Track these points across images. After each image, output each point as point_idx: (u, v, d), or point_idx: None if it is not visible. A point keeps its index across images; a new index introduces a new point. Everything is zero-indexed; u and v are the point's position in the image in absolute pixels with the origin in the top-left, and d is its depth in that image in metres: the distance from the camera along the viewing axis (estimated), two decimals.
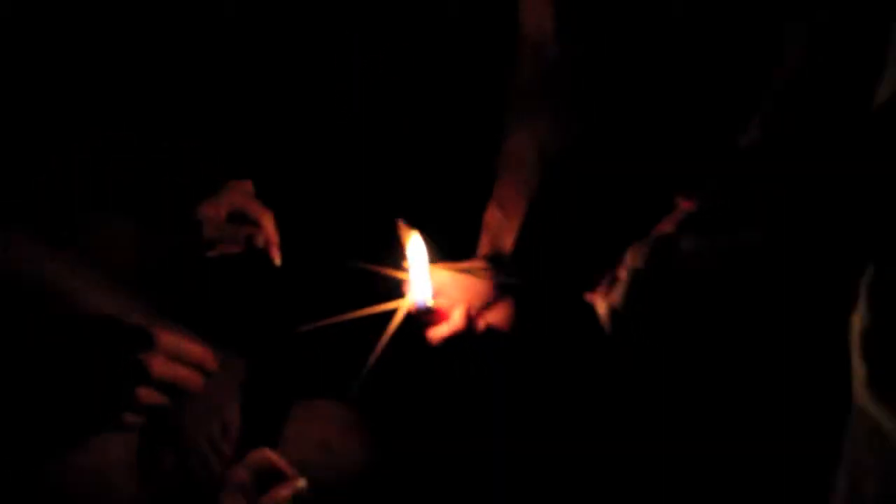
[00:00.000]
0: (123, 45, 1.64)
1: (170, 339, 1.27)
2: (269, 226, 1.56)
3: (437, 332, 1.53)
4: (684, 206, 1.34)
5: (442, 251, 1.51)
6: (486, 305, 1.56)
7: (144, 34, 1.68)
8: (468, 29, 1.81)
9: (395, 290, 1.48)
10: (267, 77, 1.89)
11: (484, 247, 1.62)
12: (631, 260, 1.18)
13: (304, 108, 1.93)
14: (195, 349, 1.29)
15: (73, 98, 1.58)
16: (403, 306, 1.46)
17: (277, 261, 1.56)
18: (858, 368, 1.07)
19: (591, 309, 1.25)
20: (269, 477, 1.31)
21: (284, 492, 1.29)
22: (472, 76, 1.79)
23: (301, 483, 1.31)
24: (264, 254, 1.57)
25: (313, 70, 1.90)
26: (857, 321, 1.07)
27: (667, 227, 1.25)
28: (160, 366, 1.26)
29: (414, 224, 1.49)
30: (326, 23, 1.89)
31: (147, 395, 1.25)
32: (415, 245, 1.47)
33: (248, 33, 1.85)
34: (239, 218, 1.57)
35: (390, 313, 1.45)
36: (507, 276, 1.56)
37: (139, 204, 1.61)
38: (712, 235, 1.16)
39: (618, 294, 1.19)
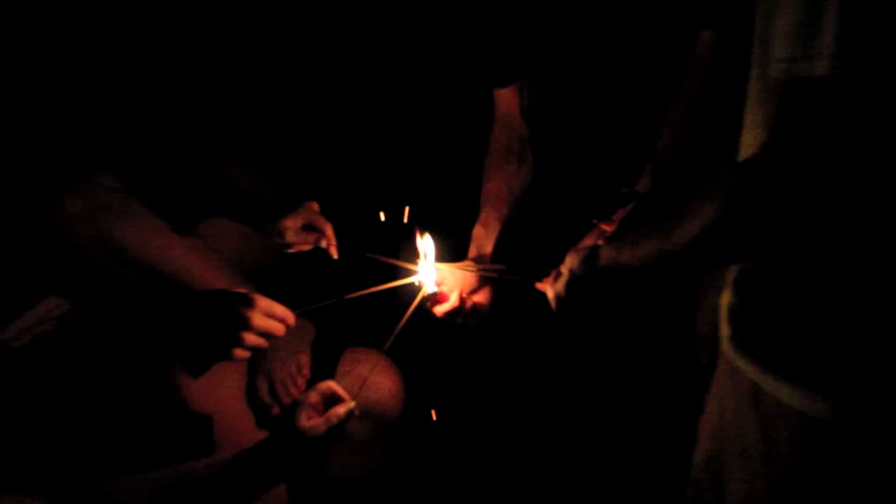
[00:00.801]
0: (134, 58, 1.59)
1: (264, 301, 1.29)
2: (329, 232, 1.57)
3: (441, 309, 1.54)
4: (603, 227, 1.37)
5: (445, 254, 1.51)
6: (473, 291, 1.58)
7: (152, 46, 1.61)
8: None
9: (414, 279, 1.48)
10: (287, 88, 1.80)
11: (472, 252, 1.62)
12: (569, 262, 1.16)
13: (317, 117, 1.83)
14: (281, 309, 1.31)
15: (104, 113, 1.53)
16: (421, 290, 1.46)
17: (335, 256, 1.57)
18: (724, 330, 1.06)
19: (543, 295, 1.23)
20: (331, 400, 1.32)
21: (341, 410, 1.30)
22: (463, 142, 1.78)
23: (352, 405, 1.32)
24: (326, 251, 1.57)
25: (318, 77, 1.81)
26: (725, 299, 1.06)
27: (592, 240, 1.28)
28: (259, 319, 1.28)
29: (427, 234, 1.49)
30: (330, 28, 1.81)
31: (250, 338, 1.27)
32: (427, 250, 1.48)
33: (259, 46, 1.76)
34: (309, 227, 1.57)
35: (412, 296, 1.44)
36: (487, 272, 1.54)
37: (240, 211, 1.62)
38: (622, 246, 1.10)
39: (560, 284, 1.17)
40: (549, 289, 1.20)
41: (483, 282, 1.58)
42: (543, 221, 1.66)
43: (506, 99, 1.70)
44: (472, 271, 1.56)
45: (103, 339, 1.32)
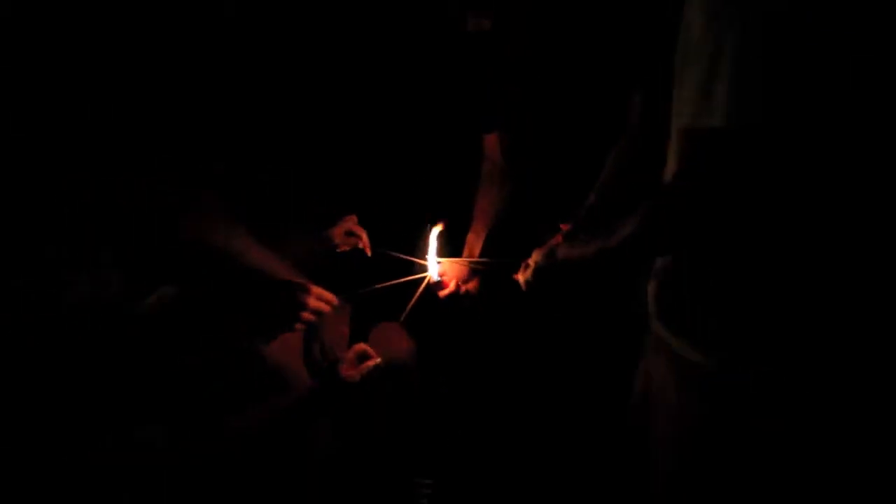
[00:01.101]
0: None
1: (316, 289, 1.35)
2: (364, 237, 1.60)
3: (442, 293, 1.59)
4: (564, 228, 1.40)
5: (447, 252, 1.55)
6: (466, 280, 1.62)
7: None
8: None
9: (423, 271, 1.53)
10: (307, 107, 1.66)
11: (466, 252, 1.67)
12: (534, 256, 1.21)
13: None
14: (327, 294, 1.36)
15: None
16: (427, 279, 1.51)
17: (369, 254, 1.60)
18: (652, 309, 1.09)
19: (517, 281, 1.26)
20: (363, 357, 1.38)
21: (370, 364, 1.36)
22: (461, 174, 1.77)
23: (378, 360, 1.37)
24: (362, 251, 1.60)
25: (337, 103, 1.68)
26: (652, 285, 1.09)
27: (553, 240, 1.29)
28: (312, 301, 1.33)
29: (434, 238, 1.53)
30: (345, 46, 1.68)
31: (306, 315, 1.33)
32: (434, 247, 1.52)
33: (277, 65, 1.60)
34: (350, 233, 1.60)
35: (421, 281, 1.49)
36: (477, 266, 1.60)
37: (301, 223, 1.62)
38: (574, 246, 1.15)
39: (529, 273, 1.21)
40: (521, 277, 1.24)
41: (473, 273, 1.62)
42: (516, 230, 1.63)
43: (491, 142, 1.76)
44: (465, 265, 1.60)
45: (204, 314, 1.32)
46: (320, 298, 1.34)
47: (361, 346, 1.39)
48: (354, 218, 1.62)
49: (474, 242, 1.67)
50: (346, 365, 1.35)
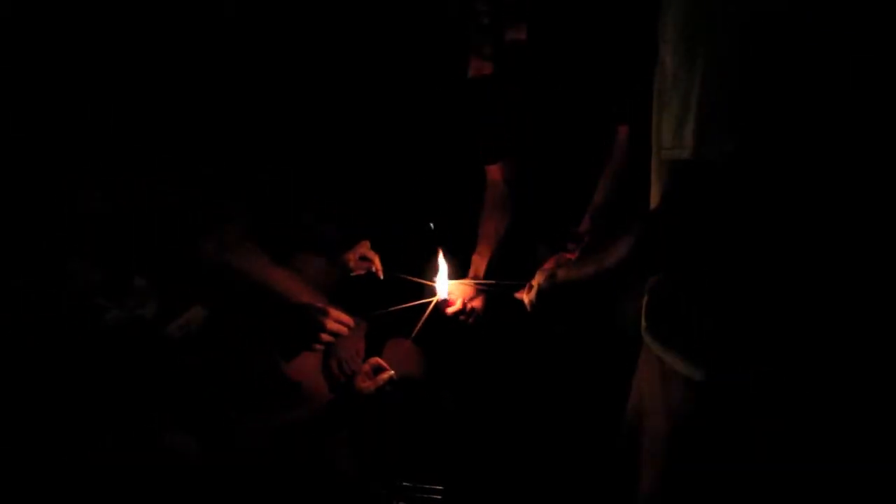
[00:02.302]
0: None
1: (334, 312, 1.37)
2: (377, 261, 1.61)
3: (450, 311, 1.58)
4: (567, 255, 1.37)
5: (454, 273, 1.54)
6: (472, 299, 1.62)
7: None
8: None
9: (432, 291, 1.51)
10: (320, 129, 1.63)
11: (471, 272, 1.66)
12: (537, 278, 1.20)
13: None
14: (344, 316, 1.38)
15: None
16: (436, 299, 1.50)
17: (381, 277, 1.60)
18: (643, 323, 1.07)
19: (519, 301, 1.25)
20: (378, 370, 1.38)
21: (384, 376, 1.37)
22: (467, 201, 1.77)
23: (392, 373, 1.38)
24: (375, 274, 1.60)
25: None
26: (644, 302, 1.07)
27: (552, 264, 1.27)
28: (330, 323, 1.36)
29: (442, 259, 1.51)
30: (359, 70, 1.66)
31: (324, 337, 1.36)
32: (442, 269, 1.52)
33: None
34: (364, 258, 1.61)
35: (430, 302, 1.49)
36: (481, 286, 1.59)
37: (318, 248, 1.62)
38: (572, 268, 1.13)
39: (532, 294, 1.21)
40: (525, 297, 1.24)
41: (478, 292, 1.62)
42: (519, 251, 1.68)
43: (493, 172, 1.77)
44: (471, 285, 1.60)
45: (230, 334, 1.32)
46: (338, 321, 1.36)
47: (376, 359, 1.40)
48: (367, 243, 1.63)
49: (479, 264, 1.67)
50: (362, 377, 1.35)
